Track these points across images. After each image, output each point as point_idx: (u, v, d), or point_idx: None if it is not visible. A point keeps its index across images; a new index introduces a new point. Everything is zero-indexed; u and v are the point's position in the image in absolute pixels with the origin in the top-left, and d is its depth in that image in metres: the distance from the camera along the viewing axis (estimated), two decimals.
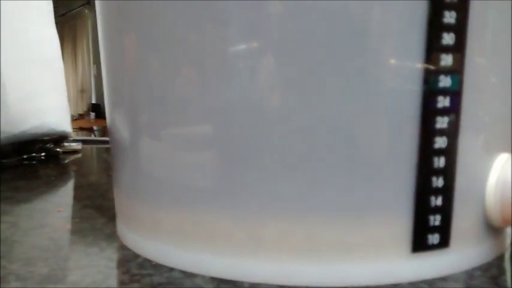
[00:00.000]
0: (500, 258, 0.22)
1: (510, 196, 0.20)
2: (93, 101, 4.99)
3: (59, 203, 0.36)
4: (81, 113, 5.03)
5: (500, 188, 0.20)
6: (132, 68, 0.22)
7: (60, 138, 0.57)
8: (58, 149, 0.58)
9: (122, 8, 0.21)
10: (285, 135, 0.18)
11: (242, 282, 0.19)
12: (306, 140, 0.18)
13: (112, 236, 0.25)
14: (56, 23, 0.59)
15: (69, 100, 0.59)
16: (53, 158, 0.57)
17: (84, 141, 0.68)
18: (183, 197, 0.20)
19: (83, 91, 5.06)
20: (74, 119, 4.79)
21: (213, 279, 0.19)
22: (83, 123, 4.60)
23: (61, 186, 0.43)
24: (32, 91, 0.50)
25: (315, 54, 0.18)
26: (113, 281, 0.20)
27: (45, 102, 0.51)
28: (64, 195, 0.40)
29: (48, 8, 0.57)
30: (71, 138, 0.61)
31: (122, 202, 0.25)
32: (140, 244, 0.23)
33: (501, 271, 0.21)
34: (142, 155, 0.22)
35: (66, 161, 0.58)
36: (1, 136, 0.46)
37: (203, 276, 0.20)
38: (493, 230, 0.21)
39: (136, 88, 0.22)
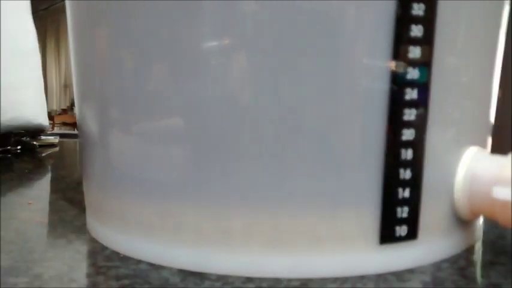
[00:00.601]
0: (469, 251, 0.22)
1: (478, 189, 0.20)
2: None
3: (31, 196, 0.35)
4: (64, 108, 4.96)
5: (468, 181, 0.20)
6: (101, 62, 0.21)
7: (36, 131, 0.56)
8: (34, 142, 0.57)
9: (92, 1, 0.21)
10: (253, 127, 0.18)
11: (210, 274, 0.19)
12: (274, 133, 0.18)
13: (81, 229, 0.25)
14: (39, 17, 0.58)
15: (52, 95, 0.58)
16: (29, 152, 0.56)
17: (62, 135, 0.67)
18: (151, 190, 0.20)
19: (66, 86, 4.99)
20: (57, 113, 4.73)
21: (180, 271, 0.19)
22: (66, 118, 4.55)
23: (35, 179, 0.42)
24: (8, 83, 0.49)
25: (285, 49, 0.17)
26: (78, 273, 0.19)
27: (21, 95, 0.50)
28: (37, 189, 0.39)
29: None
30: (48, 132, 0.60)
31: (91, 195, 0.24)
32: (108, 236, 0.22)
33: (469, 263, 0.21)
34: (110, 149, 0.22)
35: (43, 155, 0.57)
36: None
37: (170, 269, 0.20)
38: (462, 222, 0.21)
39: (106, 82, 0.21)
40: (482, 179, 0.20)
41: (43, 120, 0.55)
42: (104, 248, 0.22)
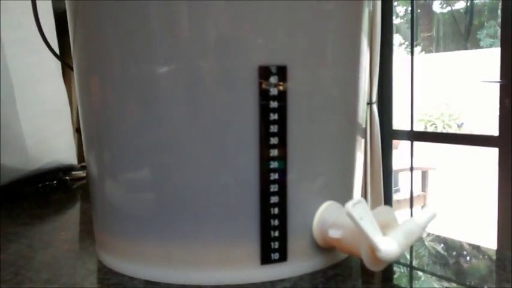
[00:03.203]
0: (329, 268, 0.34)
1: (324, 229, 0.32)
2: None
3: (63, 228, 0.49)
4: None
5: (320, 224, 0.33)
6: (94, 115, 0.35)
7: (68, 169, 0.71)
8: (67, 177, 0.72)
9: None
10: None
11: (160, 283, 0.32)
12: (195, 196, 0.31)
13: (92, 254, 0.39)
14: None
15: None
16: (63, 185, 0.71)
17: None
18: (129, 227, 0.33)
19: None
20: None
21: (147, 281, 0.33)
22: None
23: (66, 213, 0.57)
24: (45, 136, 0.64)
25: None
26: (86, 283, 0.33)
27: (55, 144, 0.65)
28: (68, 220, 0.54)
29: (55, 60, 0.70)
30: (78, 167, 0.75)
31: (96, 228, 0.38)
32: (107, 259, 0.36)
33: (324, 275, 0.33)
34: (101, 191, 0.35)
35: (74, 187, 0.72)
36: (21, 173, 0.60)
37: (140, 280, 0.33)
38: (321, 249, 0.34)
39: (99, 132, 0.35)
40: (326, 223, 0.32)
41: (73, 160, 0.70)
42: (104, 267, 0.36)
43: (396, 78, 2.14)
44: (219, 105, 0.31)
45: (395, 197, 2.31)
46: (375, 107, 2.02)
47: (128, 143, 0.33)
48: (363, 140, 0.38)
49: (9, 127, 0.58)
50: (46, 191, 0.67)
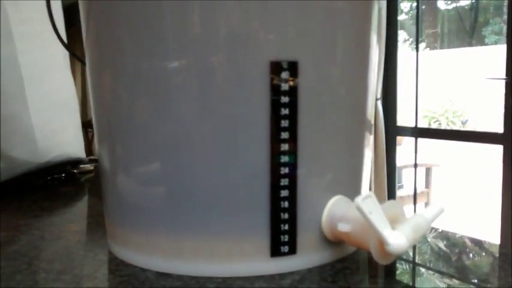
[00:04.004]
0: (337, 261, 0.35)
1: (333, 223, 0.33)
2: None
3: (72, 220, 0.50)
4: None
5: (329, 218, 0.33)
6: (105, 110, 0.36)
7: (76, 162, 0.72)
8: (75, 171, 0.73)
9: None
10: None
11: (171, 275, 0.33)
12: (209, 194, 0.32)
13: (104, 245, 0.39)
14: None
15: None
16: (71, 178, 0.72)
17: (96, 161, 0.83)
18: (139, 219, 0.34)
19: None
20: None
21: (158, 273, 0.33)
22: None
23: (75, 205, 0.58)
24: (54, 129, 0.64)
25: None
26: (99, 274, 0.34)
27: (64, 137, 0.66)
28: (77, 213, 0.54)
29: (64, 53, 0.71)
30: (86, 160, 0.75)
31: (107, 221, 0.39)
32: (118, 251, 0.36)
33: (332, 268, 0.34)
34: (113, 185, 0.36)
35: (82, 180, 0.73)
36: (31, 166, 0.61)
37: (151, 271, 0.33)
38: (329, 242, 0.34)
39: (110, 126, 0.35)
40: (335, 217, 0.33)
41: (81, 154, 0.71)
42: (115, 258, 0.36)
43: (400, 75, 2.14)
44: (230, 100, 0.31)
45: (399, 193, 2.31)
46: (379, 103, 2.02)
47: (140, 138, 0.34)
48: (372, 136, 0.38)
49: (20, 121, 0.59)
50: (55, 184, 0.68)
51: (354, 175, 0.36)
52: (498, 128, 1.71)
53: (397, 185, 2.21)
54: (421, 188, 2.57)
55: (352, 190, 0.36)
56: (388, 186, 2.05)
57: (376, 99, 2.03)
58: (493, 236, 1.73)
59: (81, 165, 0.75)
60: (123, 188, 0.35)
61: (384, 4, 2.05)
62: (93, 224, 0.47)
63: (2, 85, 0.58)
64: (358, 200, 0.28)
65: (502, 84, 1.64)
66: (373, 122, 0.39)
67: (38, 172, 0.64)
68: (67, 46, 0.44)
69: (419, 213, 0.30)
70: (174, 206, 0.33)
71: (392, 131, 2.08)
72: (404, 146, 2.66)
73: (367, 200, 0.28)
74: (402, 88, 2.14)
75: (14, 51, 0.61)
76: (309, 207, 0.33)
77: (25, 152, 0.60)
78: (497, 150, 1.70)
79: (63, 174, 0.71)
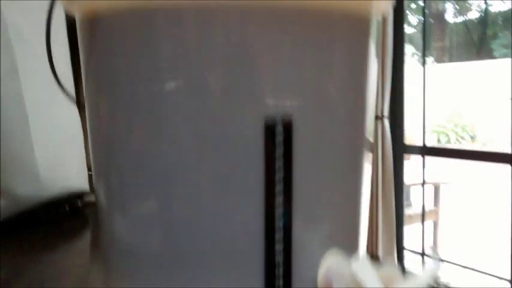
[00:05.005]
0: None
1: (327, 278, 0.33)
2: None
3: (77, 251, 0.50)
4: None
5: (325, 275, 0.33)
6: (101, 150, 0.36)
7: (80, 194, 0.72)
8: (79, 203, 0.73)
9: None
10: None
11: None
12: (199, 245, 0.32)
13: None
14: None
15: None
16: (75, 210, 0.73)
17: None
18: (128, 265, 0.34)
19: None
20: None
21: None
22: None
23: (79, 240, 0.58)
24: (58, 163, 0.65)
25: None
26: None
27: (68, 170, 0.67)
28: (81, 246, 0.55)
29: (70, 85, 0.72)
30: (89, 192, 0.76)
31: (103, 258, 0.39)
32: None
33: None
34: (108, 226, 0.36)
35: (86, 211, 0.73)
36: (34, 201, 0.61)
37: None
38: None
39: (105, 164, 0.36)
40: (330, 274, 0.33)
41: (85, 186, 0.71)
42: None
43: (408, 89, 2.13)
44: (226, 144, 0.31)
45: (407, 211, 2.29)
46: (386, 122, 2.02)
47: (134, 175, 0.34)
48: (368, 189, 0.38)
49: (24, 158, 0.60)
50: (58, 217, 0.68)
51: (351, 227, 0.36)
52: (507, 142, 1.69)
53: (405, 202, 2.19)
54: (429, 206, 2.54)
55: (350, 243, 0.36)
56: (396, 205, 2.04)
57: (383, 117, 2.03)
58: (502, 260, 1.70)
59: (85, 198, 0.75)
60: (119, 233, 0.36)
61: (390, 19, 2.05)
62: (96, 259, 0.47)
63: (7, 123, 0.59)
64: (354, 265, 0.28)
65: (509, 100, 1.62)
66: (370, 165, 0.39)
67: (41, 207, 0.65)
68: (62, 87, 0.44)
69: (415, 276, 0.29)
70: (171, 263, 0.33)
71: (400, 149, 2.08)
72: (412, 161, 2.64)
73: (361, 264, 0.28)
74: (410, 102, 2.14)
75: (19, 88, 0.62)
76: (305, 262, 0.33)
77: (28, 188, 0.61)
78: (506, 168, 1.69)
79: (67, 208, 0.72)
